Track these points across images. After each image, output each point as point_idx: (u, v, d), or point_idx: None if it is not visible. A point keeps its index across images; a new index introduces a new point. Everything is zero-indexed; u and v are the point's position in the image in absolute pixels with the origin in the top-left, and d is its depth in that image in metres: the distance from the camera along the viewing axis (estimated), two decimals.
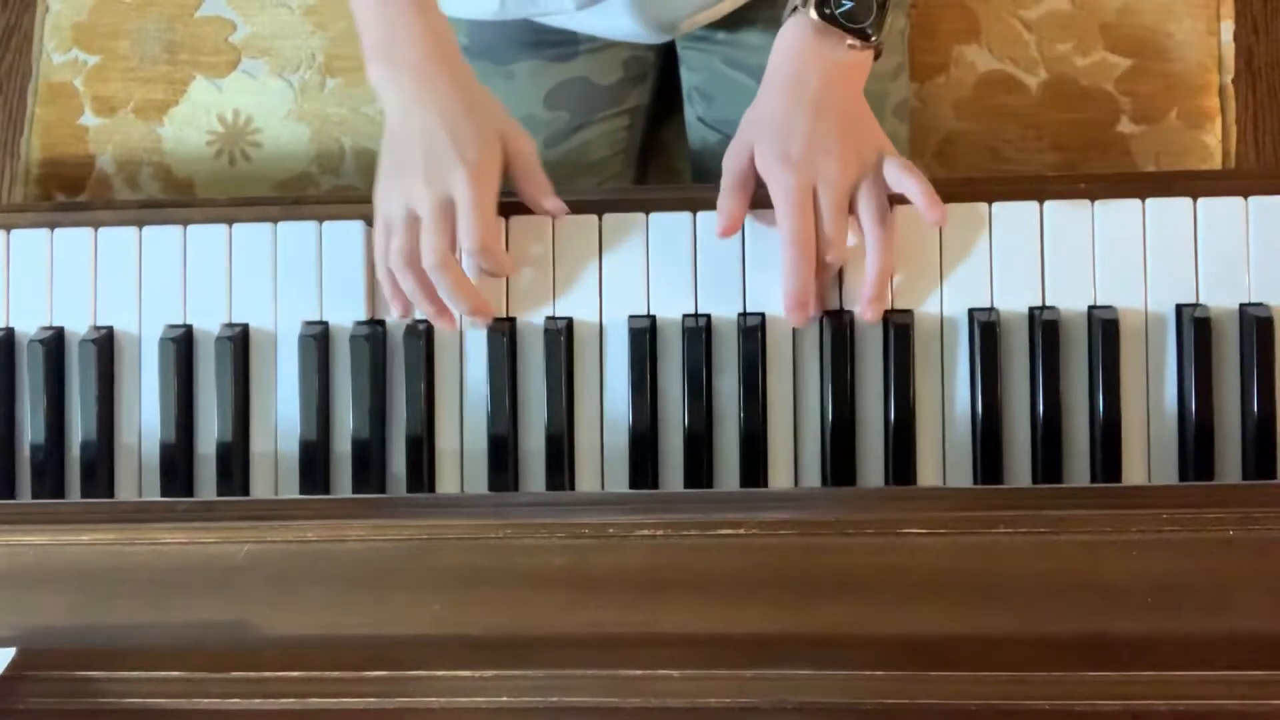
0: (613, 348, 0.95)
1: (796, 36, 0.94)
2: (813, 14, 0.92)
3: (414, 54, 0.93)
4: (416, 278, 0.92)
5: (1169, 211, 0.93)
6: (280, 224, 0.97)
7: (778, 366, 0.94)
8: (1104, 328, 0.91)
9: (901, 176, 0.92)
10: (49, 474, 0.97)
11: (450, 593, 0.74)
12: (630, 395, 0.94)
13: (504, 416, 0.94)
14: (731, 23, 1.10)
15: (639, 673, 0.72)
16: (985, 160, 1.19)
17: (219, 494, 0.95)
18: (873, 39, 0.93)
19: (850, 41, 0.93)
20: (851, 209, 0.92)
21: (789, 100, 0.93)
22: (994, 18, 1.21)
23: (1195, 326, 0.91)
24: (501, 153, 0.93)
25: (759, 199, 0.93)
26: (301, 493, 0.95)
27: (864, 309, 0.92)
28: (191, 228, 0.98)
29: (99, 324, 0.98)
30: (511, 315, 0.95)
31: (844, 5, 0.92)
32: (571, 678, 0.72)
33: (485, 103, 0.95)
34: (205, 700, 0.73)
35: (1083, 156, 1.19)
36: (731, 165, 0.94)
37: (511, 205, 0.96)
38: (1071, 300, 0.93)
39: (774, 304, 0.93)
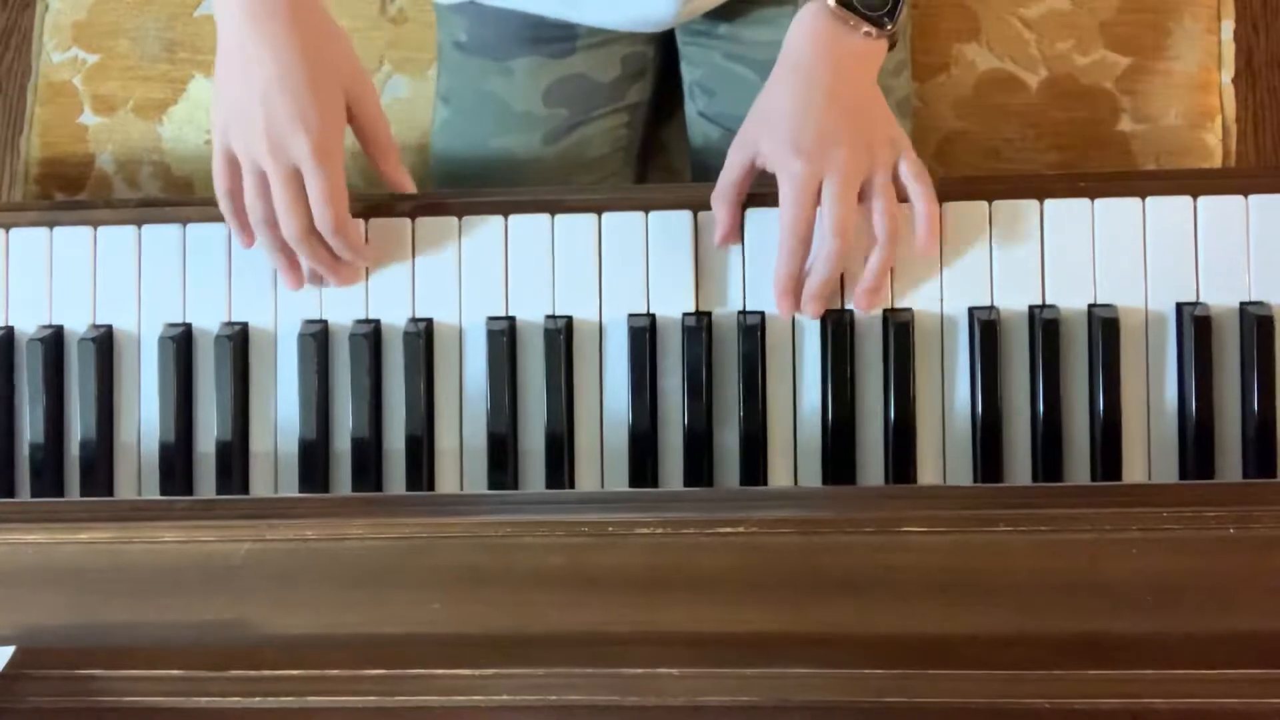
0: (612, 347, 0.95)
1: (812, 23, 0.93)
2: (831, 1, 0.92)
3: None
4: (270, 234, 0.93)
5: (1169, 210, 0.93)
6: None
7: (778, 365, 0.94)
8: (1104, 326, 0.91)
9: (913, 182, 0.92)
10: (48, 473, 0.97)
11: (450, 592, 0.74)
12: (630, 394, 0.94)
13: (504, 415, 0.94)
14: (732, 16, 1.10)
15: (639, 671, 0.71)
16: (985, 159, 1.19)
17: (218, 493, 0.95)
18: (888, 27, 0.93)
19: (866, 29, 0.92)
20: (862, 198, 0.91)
21: (801, 92, 0.92)
22: (994, 17, 1.21)
23: (1195, 325, 0.91)
24: (345, 110, 0.93)
25: (759, 197, 0.93)
26: (301, 492, 0.95)
27: (859, 298, 0.92)
28: (191, 226, 0.98)
29: (98, 323, 0.98)
30: (511, 314, 0.95)
31: None
32: (571, 676, 0.72)
33: (329, 51, 0.92)
34: (204, 699, 0.73)
35: (1083, 155, 1.18)
36: (734, 159, 0.93)
37: (510, 205, 0.96)
38: (1072, 299, 0.93)
39: (774, 302, 0.93)
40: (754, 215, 0.94)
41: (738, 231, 0.93)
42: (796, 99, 0.92)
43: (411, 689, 0.72)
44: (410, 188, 0.97)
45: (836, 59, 0.93)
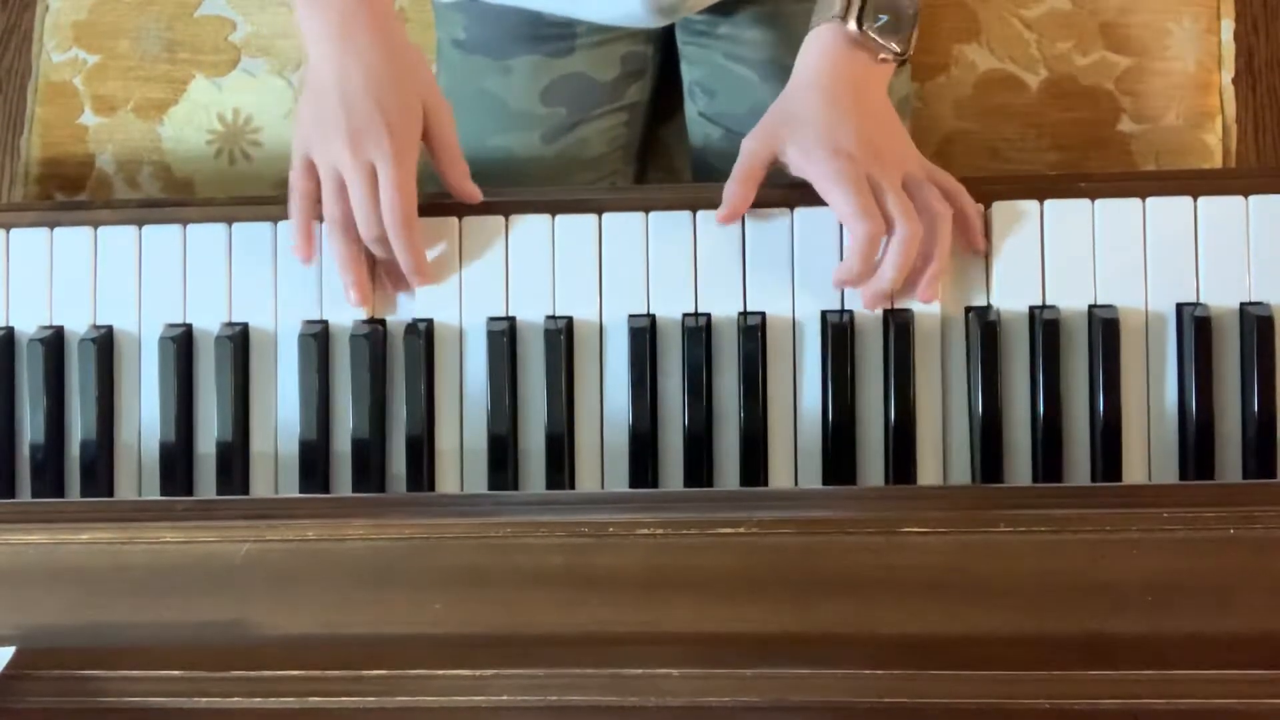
0: (613, 347, 0.95)
1: (830, 44, 0.94)
2: (851, 26, 0.93)
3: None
4: (345, 244, 0.93)
5: (1169, 210, 0.93)
6: (280, 223, 0.97)
7: (778, 366, 0.94)
8: (1104, 327, 0.91)
9: (943, 178, 0.93)
10: (49, 473, 0.97)
11: (450, 592, 0.74)
12: (630, 395, 0.94)
13: (504, 416, 0.94)
14: (732, 15, 1.10)
15: (639, 672, 0.72)
16: (985, 160, 1.19)
17: (219, 493, 0.95)
18: (903, 53, 0.94)
19: (883, 55, 0.94)
20: None
21: (829, 103, 0.93)
22: (994, 17, 1.21)
23: (1195, 325, 0.91)
24: (421, 119, 0.94)
25: (761, 198, 0.93)
26: (301, 492, 0.95)
27: (923, 288, 0.91)
28: (191, 227, 0.98)
29: (99, 323, 0.98)
30: (511, 314, 0.95)
31: (880, 19, 0.93)
32: (571, 677, 0.72)
33: (411, 64, 0.95)
34: (205, 699, 0.73)
35: (1083, 156, 1.18)
36: (751, 149, 0.93)
37: (510, 205, 0.96)
38: (1072, 299, 0.93)
39: (774, 303, 0.93)
40: (757, 215, 0.94)
41: (742, 213, 0.92)
42: (826, 111, 0.92)
43: (412, 689, 0.72)
44: (479, 198, 0.96)
45: (856, 78, 0.94)
